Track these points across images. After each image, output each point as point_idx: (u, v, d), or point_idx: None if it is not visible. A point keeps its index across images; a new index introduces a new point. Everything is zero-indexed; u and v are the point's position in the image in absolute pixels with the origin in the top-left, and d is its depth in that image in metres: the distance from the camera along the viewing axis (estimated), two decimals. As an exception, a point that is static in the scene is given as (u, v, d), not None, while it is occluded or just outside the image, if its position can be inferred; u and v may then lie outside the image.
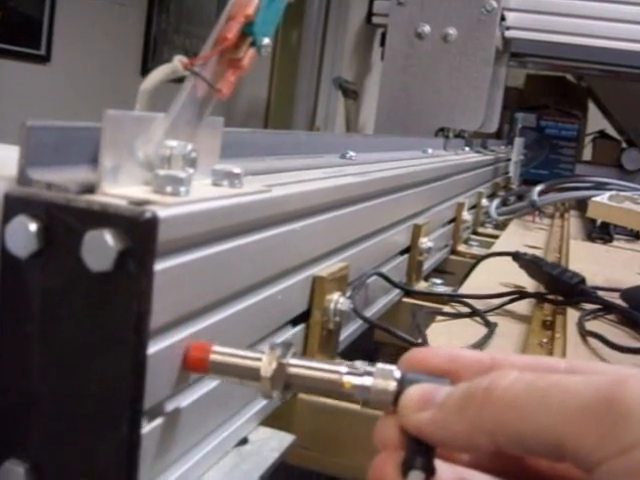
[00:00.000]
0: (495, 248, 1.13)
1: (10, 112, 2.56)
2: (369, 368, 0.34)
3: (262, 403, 0.49)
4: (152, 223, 0.32)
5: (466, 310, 0.71)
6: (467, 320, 0.70)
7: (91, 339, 0.33)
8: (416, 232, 0.87)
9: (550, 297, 0.75)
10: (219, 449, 0.43)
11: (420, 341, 0.57)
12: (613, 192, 1.25)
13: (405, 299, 0.86)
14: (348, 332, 0.66)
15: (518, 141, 2.20)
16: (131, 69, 3.49)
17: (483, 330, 0.65)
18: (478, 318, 0.69)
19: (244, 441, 0.46)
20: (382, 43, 1.79)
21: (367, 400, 0.33)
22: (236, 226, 0.41)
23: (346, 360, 0.60)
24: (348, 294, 0.58)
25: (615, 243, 1.28)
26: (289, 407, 0.54)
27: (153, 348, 0.34)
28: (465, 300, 0.73)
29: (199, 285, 0.38)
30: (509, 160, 2.13)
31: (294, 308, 0.52)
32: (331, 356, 0.59)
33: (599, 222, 1.29)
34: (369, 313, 0.71)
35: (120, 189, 0.35)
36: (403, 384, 0.32)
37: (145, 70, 3.51)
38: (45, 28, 3.11)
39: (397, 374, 0.33)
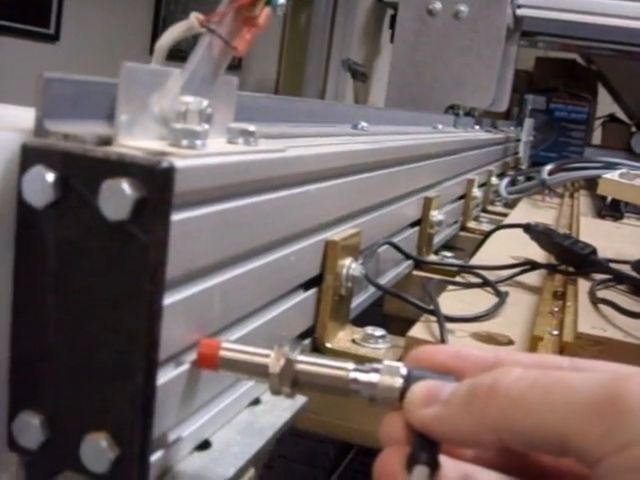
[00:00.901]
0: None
1: (18, 90, 2.55)
2: (376, 365, 0.34)
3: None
4: (169, 172, 0.32)
5: (477, 281, 0.71)
6: (478, 290, 0.69)
7: (107, 289, 0.33)
8: (427, 205, 0.87)
9: (561, 268, 0.75)
10: (233, 407, 0.43)
11: (431, 307, 0.57)
12: (624, 170, 1.25)
13: (415, 272, 0.86)
14: (359, 300, 0.66)
15: (528, 122, 2.20)
16: (140, 49, 3.48)
17: (494, 299, 0.65)
18: (489, 288, 0.69)
19: (257, 401, 0.46)
20: (391, 25, 1.78)
21: (374, 397, 0.33)
22: (251, 183, 0.41)
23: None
24: (360, 261, 0.58)
25: (625, 220, 1.27)
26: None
27: (169, 299, 0.34)
28: (476, 271, 0.73)
29: (214, 240, 0.38)
30: (519, 140, 2.12)
31: (306, 271, 0.52)
32: (343, 323, 0.59)
33: (609, 199, 1.29)
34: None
35: (136, 142, 0.35)
36: (409, 381, 0.33)
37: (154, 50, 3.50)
38: (54, 7, 3.11)
39: (403, 371, 0.33)
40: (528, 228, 0.80)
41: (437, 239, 0.99)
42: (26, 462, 0.38)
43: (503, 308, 0.64)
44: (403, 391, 0.32)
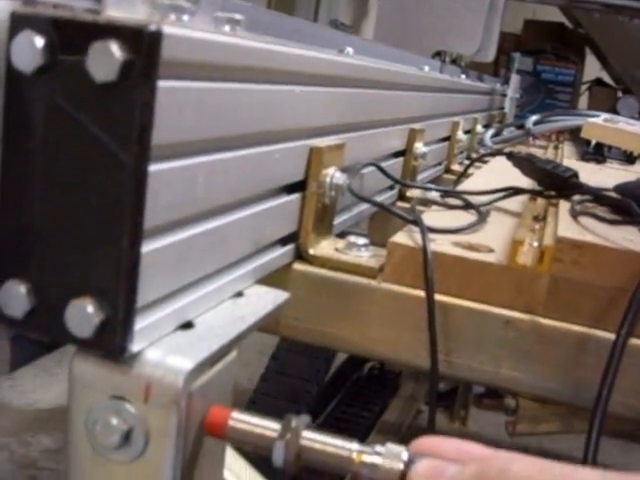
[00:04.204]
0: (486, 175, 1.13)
1: None
2: (378, 448, 0.34)
3: (258, 262, 0.49)
4: (157, 36, 0.32)
5: (460, 203, 0.72)
6: (461, 212, 0.70)
7: (94, 153, 0.33)
8: (412, 136, 0.88)
9: (544, 193, 0.75)
10: (216, 295, 0.44)
11: (413, 218, 0.58)
12: (607, 116, 1.26)
13: (400, 203, 0.87)
14: (342, 218, 0.67)
15: (514, 78, 2.20)
16: None
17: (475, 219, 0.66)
18: (472, 211, 0.70)
19: (239, 294, 0.47)
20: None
21: (374, 478, 0.34)
22: (236, 69, 0.41)
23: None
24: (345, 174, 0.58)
25: (608, 164, 1.28)
26: (284, 276, 0.55)
27: (154, 167, 0.34)
28: (460, 196, 0.73)
29: (199, 117, 0.38)
30: (505, 96, 2.12)
31: (290, 174, 0.53)
32: (326, 233, 0.60)
33: (593, 144, 1.29)
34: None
35: (124, 14, 0.35)
36: (410, 465, 0.33)
37: None
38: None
39: (405, 455, 0.34)
40: (511, 155, 0.81)
41: (421, 177, 0.99)
42: (12, 336, 0.39)
43: (484, 225, 0.65)
44: (403, 475, 0.33)
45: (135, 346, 0.36)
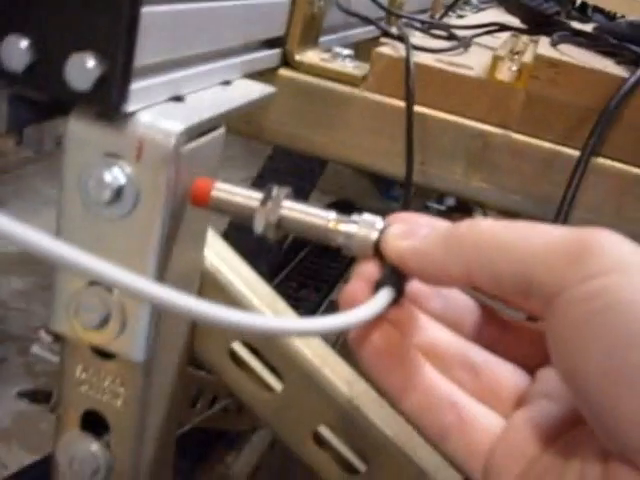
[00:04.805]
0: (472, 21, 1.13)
1: None
2: (355, 217, 0.35)
3: (246, 57, 0.51)
4: None
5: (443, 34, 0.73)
6: (444, 41, 0.71)
7: None
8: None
9: (527, 30, 0.77)
10: (206, 77, 0.46)
11: (398, 34, 0.59)
12: (596, -25, 1.25)
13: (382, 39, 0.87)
14: (328, 38, 0.67)
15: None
16: None
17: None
18: (455, 42, 0.71)
19: (228, 83, 0.48)
20: None
21: (349, 246, 0.35)
22: None
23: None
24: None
25: (591, 24, 1.28)
26: (269, 81, 0.57)
27: None
28: (445, 28, 0.74)
29: None
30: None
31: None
32: (313, 44, 0.61)
33: (579, 2, 1.30)
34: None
35: None
36: (384, 230, 0.34)
37: None
38: None
39: (380, 224, 0.35)
40: (497, -7, 0.82)
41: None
42: (10, 96, 0.40)
43: (466, 53, 0.66)
44: (377, 244, 0.34)
45: (130, 106, 0.37)
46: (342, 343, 0.74)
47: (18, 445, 1.69)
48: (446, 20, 1.20)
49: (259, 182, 1.53)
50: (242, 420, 1.08)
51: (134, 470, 0.48)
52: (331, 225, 0.36)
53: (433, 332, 0.36)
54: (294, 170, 1.53)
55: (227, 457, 1.20)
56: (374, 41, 0.73)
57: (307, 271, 1.78)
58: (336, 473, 0.51)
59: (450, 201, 1.90)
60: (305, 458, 0.51)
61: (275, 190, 0.37)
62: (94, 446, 0.47)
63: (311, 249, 1.81)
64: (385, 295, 0.33)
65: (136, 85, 0.37)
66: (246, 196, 0.38)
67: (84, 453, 0.47)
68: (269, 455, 1.25)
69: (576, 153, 0.54)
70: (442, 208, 1.78)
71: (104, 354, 0.44)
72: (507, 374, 0.35)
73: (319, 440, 0.51)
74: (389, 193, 3.66)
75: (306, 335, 0.48)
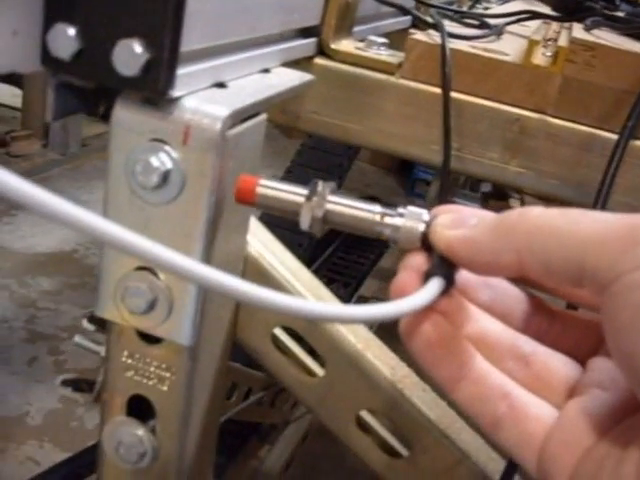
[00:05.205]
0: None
1: None
2: (401, 209, 0.35)
3: (284, 45, 0.51)
4: None
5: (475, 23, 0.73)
6: (476, 30, 0.72)
7: None
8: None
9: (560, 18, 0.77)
10: (247, 64, 0.46)
11: (433, 22, 0.59)
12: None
13: (413, 29, 0.88)
14: (360, 28, 0.68)
15: None
16: None
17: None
18: (488, 30, 0.71)
19: (267, 71, 0.49)
20: None
21: (396, 239, 0.35)
22: None
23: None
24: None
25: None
26: (305, 70, 0.57)
27: None
28: (477, 17, 0.75)
29: None
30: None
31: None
32: (347, 33, 0.61)
33: (606, -8, 1.29)
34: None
35: None
36: (432, 221, 0.34)
37: None
38: None
39: (426, 216, 0.35)
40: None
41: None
42: (56, 84, 0.41)
43: (500, 40, 0.66)
44: (425, 235, 0.34)
45: (176, 92, 0.38)
46: (376, 329, 0.74)
47: (50, 443, 1.70)
48: (475, 10, 1.20)
49: (288, 177, 1.55)
50: (275, 414, 1.09)
51: (179, 455, 0.49)
52: (378, 218, 0.36)
53: (483, 322, 0.36)
54: (323, 165, 1.54)
55: (260, 450, 1.21)
56: (405, 31, 0.74)
57: (336, 267, 1.78)
58: (379, 457, 0.51)
59: (486, 187, 1.90)
60: (348, 442, 0.51)
61: (320, 185, 0.37)
62: (140, 431, 0.48)
63: (339, 245, 1.82)
64: (435, 285, 0.33)
65: (182, 71, 0.38)
66: (291, 192, 0.37)
67: (130, 438, 0.48)
68: (301, 449, 1.26)
69: (613, 136, 0.54)
70: (477, 195, 1.77)
71: (150, 339, 0.45)
72: (557, 364, 0.35)
73: (362, 425, 0.51)
74: (413, 190, 3.67)
75: (356, 322, 0.48)
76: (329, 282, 1.71)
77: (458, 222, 0.33)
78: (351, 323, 0.49)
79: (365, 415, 0.51)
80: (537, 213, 0.30)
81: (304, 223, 0.37)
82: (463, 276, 0.34)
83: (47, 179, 2.98)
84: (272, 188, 0.38)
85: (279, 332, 0.51)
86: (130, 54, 0.36)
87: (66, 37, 0.37)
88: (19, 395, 1.82)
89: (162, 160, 0.39)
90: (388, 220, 0.35)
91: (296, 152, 1.58)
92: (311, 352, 0.52)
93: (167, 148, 0.39)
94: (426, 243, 0.34)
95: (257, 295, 0.30)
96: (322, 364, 0.51)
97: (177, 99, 0.39)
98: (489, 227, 0.32)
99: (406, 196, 3.59)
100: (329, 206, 0.36)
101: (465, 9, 1.19)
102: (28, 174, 2.95)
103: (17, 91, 3.33)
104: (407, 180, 3.73)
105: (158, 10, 0.36)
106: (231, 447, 1.13)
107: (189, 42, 0.38)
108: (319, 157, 1.54)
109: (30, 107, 3.21)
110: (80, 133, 3.22)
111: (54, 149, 3.19)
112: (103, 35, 0.37)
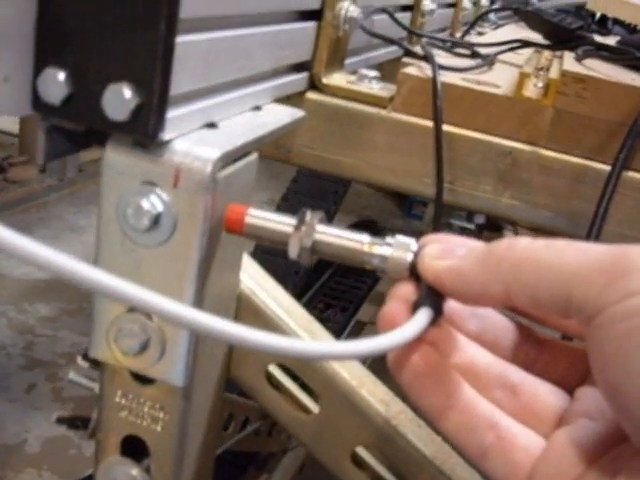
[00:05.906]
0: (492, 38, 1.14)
1: None
2: (389, 239, 0.35)
3: (275, 82, 0.51)
4: None
5: (466, 52, 0.73)
6: (468, 60, 0.72)
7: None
8: (420, -8, 0.88)
9: (550, 46, 0.77)
10: (238, 103, 0.46)
11: (424, 54, 0.60)
12: (615, -11, 1.25)
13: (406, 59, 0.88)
14: (352, 60, 0.68)
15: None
16: None
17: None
18: (479, 60, 0.72)
19: (258, 108, 0.49)
20: None
21: (384, 269, 0.35)
22: None
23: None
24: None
25: (612, 37, 1.29)
26: (297, 105, 0.57)
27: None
28: (468, 46, 0.75)
29: None
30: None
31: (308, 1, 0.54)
32: (339, 66, 0.62)
33: (598, 16, 1.30)
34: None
35: None
36: (420, 251, 0.34)
37: None
38: None
39: (414, 246, 0.35)
40: (517, 10, 0.82)
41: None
42: (47, 128, 0.41)
43: (491, 71, 0.67)
44: (413, 265, 0.34)
45: (166, 134, 0.38)
46: (370, 362, 0.74)
47: (48, 471, 1.69)
48: (467, 38, 1.21)
49: (283, 204, 1.55)
50: (273, 442, 1.08)
51: (174, 494, 0.48)
52: (366, 248, 0.36)
53: (471, 352, 0.36)
54: (318, 192, 1.55)
55: (258, 479, 1.20)
56: (397, 61, 0.74)
57: (332, 292, 1.78)
58: (375, 494, 0.51)
59: (479, 219, 1.90)
60: (344, 479, 0.51)
61: (309, 215, 0.37)
62: (134, 471, 0.47)
63: (335, 270, 1.82)
64: (424, 315, 0.33)
65: (172, 113, 0.38)
66: (279, 221, 0.38)
67: (125, 477, 0.47)
68: (299, 477, 1.26)
69: (606, 168, 0.54)
70: (471, 227, 1.77)
71: (143, 379, 0.45)
72: (546, 394, 0.35)
73: (357, 461, 0.51)
74: (411, 212, 3.67)
75: (347, 359, 0.48)
76: (326, 307, 1.71)
77: (446, 252, 0.33)
78: (343, 360, 0.49)
79: (361, 451, 0.51)
80: (524, 245, 0.31)
81: (293, 253, 0.37)
82: (451, 306, 0.34)
83: (44, 205, 2.98)
84: (261, 218, 0.39)
85: (273, 369, 0.51)
86: (120, 99, 0.36)
87: (56, 82, 0.37)
88: (17, 423, 1.81)
89: (153, 203, 0.39)
90: (376, 250, 0.36)
91: (292, 179, 1.59)
92: (306, 388, 0.51)
93: (158, 191, 0.39)
94: (414, 273, 0.34)
95: (248, 337, 0.30)
96: (317, 400, 0.51)
97: (167, 142, 0.39)
98: (477, 258, 0.32)
99: (404, 217, 3.59)
100: (317, 236, 0.37)
101: (458, 36, 1.20)
102: (25, 200, 2.96)
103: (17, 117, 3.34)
104: (404, 202, 3.74)
105: (147, 55, 0.36)
106: (229, 477, 1.13)
107: (179, 85, 0.38)
108: (315, 183, 1.55)
109: (28, 133, 3.22)
110: (77, 158, 3.23)
111: (51, 175, 3.19)
112: (93, 79, 0.37)
